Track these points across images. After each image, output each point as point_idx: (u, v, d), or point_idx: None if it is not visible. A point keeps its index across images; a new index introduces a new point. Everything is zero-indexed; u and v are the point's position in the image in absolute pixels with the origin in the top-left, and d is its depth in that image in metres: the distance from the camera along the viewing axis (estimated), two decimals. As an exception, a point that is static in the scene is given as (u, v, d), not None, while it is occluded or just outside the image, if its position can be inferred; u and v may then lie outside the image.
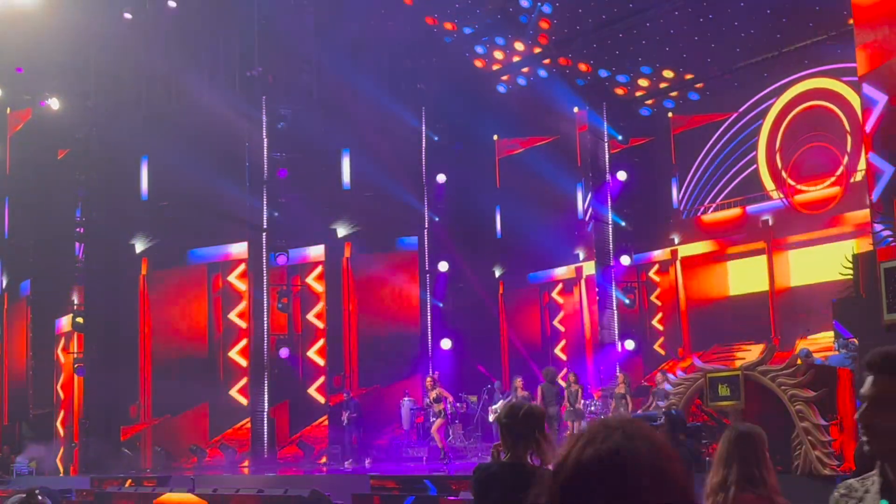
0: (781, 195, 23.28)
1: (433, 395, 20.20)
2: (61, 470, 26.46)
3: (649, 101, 25.94)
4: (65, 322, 27.67)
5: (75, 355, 26.40)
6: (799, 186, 23.05)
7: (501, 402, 21.53)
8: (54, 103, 27.51)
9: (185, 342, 26.24)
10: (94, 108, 26.45)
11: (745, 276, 24.09)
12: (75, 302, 26.60)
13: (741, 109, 24.27)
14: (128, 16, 25.33)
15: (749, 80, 23.99)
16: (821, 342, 19.55)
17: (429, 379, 20.89)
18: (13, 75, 27.78)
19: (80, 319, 25.86)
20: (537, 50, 25.61)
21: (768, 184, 23.76)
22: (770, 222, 23.60)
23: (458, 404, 23.09)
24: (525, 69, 26.52)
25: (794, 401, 11.50)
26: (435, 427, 20.14)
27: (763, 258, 23.58)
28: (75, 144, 27.29)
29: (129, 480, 20.56)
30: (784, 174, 23.30)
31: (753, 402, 11.79)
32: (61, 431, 27.83)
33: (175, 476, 20.70)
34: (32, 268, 29.37)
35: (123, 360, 26.00)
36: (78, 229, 26.62)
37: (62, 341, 28.25)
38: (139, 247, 26.64)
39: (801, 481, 11.05)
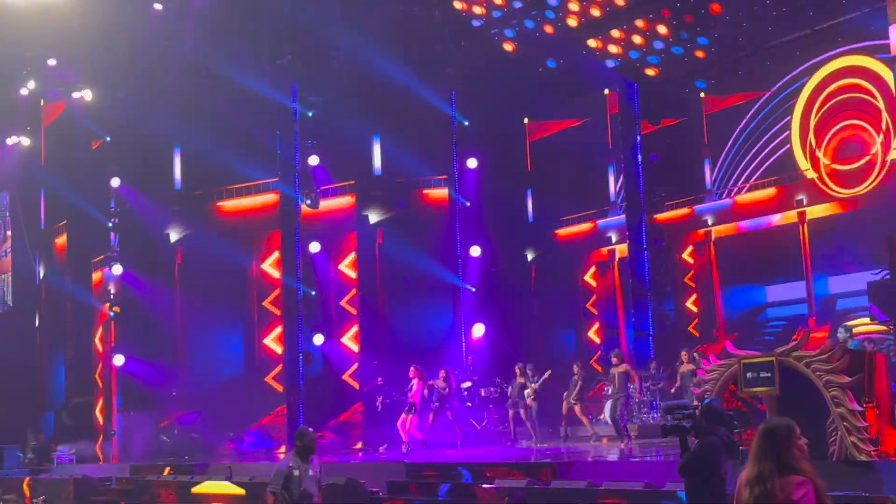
0: (816, 174, 23.06)
1: (412, 385, 19.71)
2: (101, 458, 26.79)
3: (681, 82, 25.72)
4: (102, 311, 27.95)
5: (112, 344, 26.68)
6: (833, 165, 22.83)
7: (533, 385, 21.54)
8: (87, 95, 27.73)
9: (220, 330, 26.41)
10: (126, 98, 26.60)
11: (779, 256, 23.91)
12: (112, 291, 26.86)
13: (774, 88, 24.06)
14: (158, 6, 25.42)
15: (782, 58, 23.74)
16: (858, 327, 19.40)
17: (412, 369, 20.18)
18: (47, 67, 28.03)
19: (116, 309, 26.11)
20: (567, 32, 25.44)
21: (802, 163, 23.55)
22: (804, 201, 23.40)
23: (491, 388, 23.10)
24: (555, 52, 26.36)
25: (830, 386, 11.41)
26: (408, 423, 19.41)
27: (798, 237, 23.40)
28: (109, 135, 27.49)
29: (168, 468, 20.76)
30: (818, 153, 23.09)
31: (788, 387, 11.71)
32: (100, 420, 28.17)
33: (213, 463, 20.88)
34: (69, 258, 29.65)
35: (160, 349, 26.25)
36: (113, 219, 26.84)
37: (99, 330, 28.55)
38: (173, 236, 26.84)
39: (837, 467, 10.99)
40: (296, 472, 10.71)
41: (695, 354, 19.90)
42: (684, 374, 19.73)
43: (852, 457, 11.17)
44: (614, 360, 18.59)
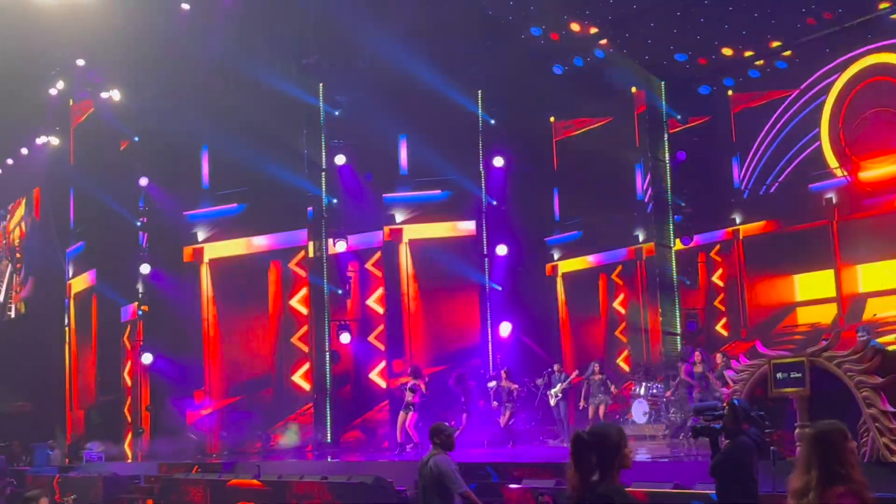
0: (845, 173, 22.87)
1: (409, 384, 19.73)
2: (129, 456, 26.96)
3: (708, 80, 25.57)
4: (130, 310, 28.13)
5: (141, 343, 26.84)
6: (863, 163, 22.63)
7: (560, 385, 21.53)
8: (116, 95, 27.92)
9: (247, 329, 26.52)
10: (154, 98, 26.75)
11: (808, 256, 23.72)
12: (140, 290, 27.02)
13: (803, 86, 23.85)
14: (186, 6, 25.54)
15: (811, 56, 23.55)
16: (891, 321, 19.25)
17: (413, 368, 20.38)
18: (75, 68, 28.23)
19: (145, 308, 26.26)
20: (594, 30, 25.36)
21: (832, 161, 23.35)
22: (834, 200, 23.19)
23: (516, 386, 23.04)
24: (582, 50, 26.26)
25: (861, 387, 11.31)
26: (408, 422, 19.51)
27: (827, 236, 23.21)
28: (137, 135, 27.65)
29: (196, 467, 20.88)
30: (848, 151, 22.89)
31: (818, 388, 11.62)
32: (128, 418, 28.35)
33: (241, 462, 20.99)
34: (98, 257, 29.86)
35: (188, 347, 26.39)
36: (141, 219, 26.99)
37: (128, 329, 28.74)
38: (201, 235, 26.96)
39: (869, 468, 10.88)
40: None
41: (718, 355, 19.78)
42: (698, 375, 19.67)
43: (884, 458, 11.08)
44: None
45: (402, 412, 19.76)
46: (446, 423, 10.36)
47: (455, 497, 9.53)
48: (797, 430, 11.51)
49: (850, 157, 22.75)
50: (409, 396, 19.64)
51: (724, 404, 9.09)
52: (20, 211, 36.64)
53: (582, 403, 21.06)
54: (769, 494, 10.23)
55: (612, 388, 21.26)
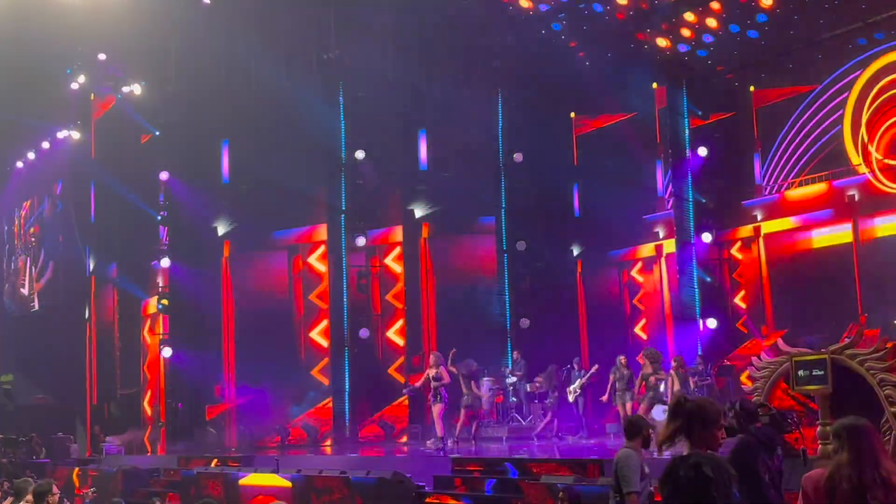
0: (868, 170, 22.71)
1: (432, 373, 19.03)
2: (149, 449, 27.07)
3: (730, 76, 25.42)
4: (150, 304, 28.24)
5: (161, 336, 26.93)
6: (886, 160, 22.46)
7: (579, 381, 21.46)
8: (137, 89, 28.00)
9: (267, 323, 26.56)
10: (175, 93, 26.81)
11: (830, 253, 23.57)
12: (160, 284, 27.10)
13: (826, 82, 23.68)
14: (207, 1, 25.59)
15: (833, 52, 23.38)
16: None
17: (431, 356, 19.67)
18: (97, 62, 28.32)
19: (165, 301, 26.35)
20: (615, 25, 25.24)
21: (854, 158, 23.19)
22: (856, 197, 23.04)
23: (536, 383, 22.97)
24: (602, 45, 26.15)
25: (884, 385, 11.22)
26: (436, 412, 19.00)
27: (849, 234, 23.06)
28: (158, 129, 27.72)
29: (216, 460, 20.93)
30: (871, 148, 22.72)
31: (840, 385, 11.53)
32: (148, 411, 28.46)
33: (259, 456, 21.03)
34: (118, 251, 29.97)
35: (207, 341, 26.43)
36: (162, 213, 27.08)
37: (148, 322, 28.84)
38: (221, 230, 27.00)
39: (892, 467, 10.79)
40: (646, 469, 8.71)
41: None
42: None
43: (907, 456, 10.97)
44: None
45: (435, 404, 19.17)
46: (643, 418, 9.99)
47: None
48: (819, 428, 11.43)
49: (873, 155, 22.58)
50: (435, 385, 18.98)
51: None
52: (35, 205, 36.85)
53: (605, 398, 20.65)
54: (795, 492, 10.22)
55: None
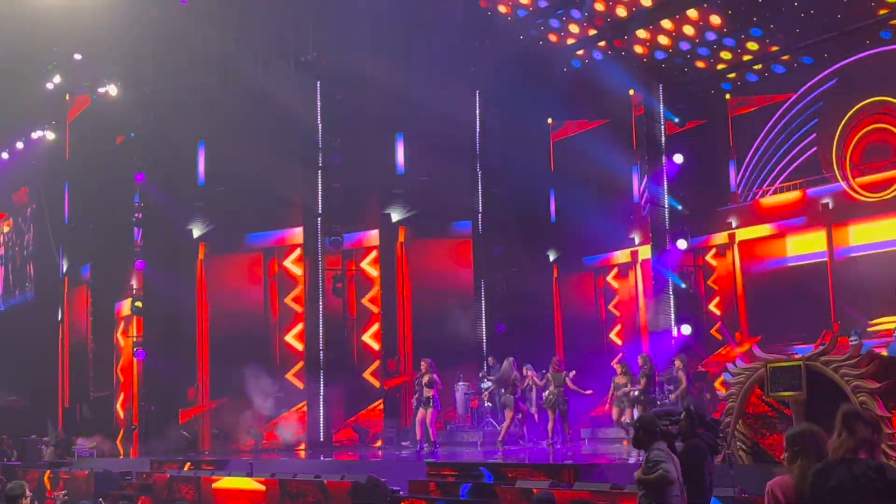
0: (842, 178, 22.86)
1: (425, 379, 19.04)
2: (121, 452, 26.88)
3: (706, 83, 25.55)
4: (124, 306, 28.05)
5: (134, 339, 26.76)
6: (861, 169, 22.62)
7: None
8: (112, 90, 27.84)
9: (241, 326, 26.46)
10: (151, 94, 26.69)
11: (804, 261, 23.72)
12: (134, 286, 26.94)
13: (801, 91, 23.84)
14: (184, 2, 25.48)
15: (809, 61, 23.54)
16: (886, 326, 19.23)
17: (423, 362, 19.56)
18: (72, 62, 28.13)
19: (139, 304, 26.19)
20: (592, 32, 25.36)
21: (829, 166, 23.34)
22: (830, 205, 23.19)
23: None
24: (580, 51, 26.25)
25: (858, 392, 11.29)
26: (428, 418, 19.00)
27: (823, 241, 23.20)
28: (133, 130, 27.57)
29: (189, 464, 20.81)
30: (845, 156, 22.88)
31: (815, 392, 11.59)
32: (121, 414, 28.26)
33: (233, 460, 20.92)
34: (92, 252, 29.77)
35: (181, 344, 26.30)
36: (136, 214, 26.91)
37: (121, 325, 28.66)
38: (196, 231, 26.88)
39: (865, 474, 10.86)
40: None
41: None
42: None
43: (880, 463, 11.03)
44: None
45: (422, 409, 19.16)
46: (653, 416, 10.08)
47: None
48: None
49: (847, 164, 22.74)
50: (427, 392, 19.01)
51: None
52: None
53: (607, 406, 20.49)
54: (731, 497, 10.61)
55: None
